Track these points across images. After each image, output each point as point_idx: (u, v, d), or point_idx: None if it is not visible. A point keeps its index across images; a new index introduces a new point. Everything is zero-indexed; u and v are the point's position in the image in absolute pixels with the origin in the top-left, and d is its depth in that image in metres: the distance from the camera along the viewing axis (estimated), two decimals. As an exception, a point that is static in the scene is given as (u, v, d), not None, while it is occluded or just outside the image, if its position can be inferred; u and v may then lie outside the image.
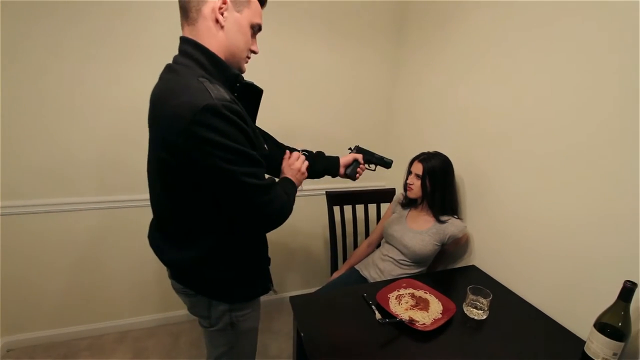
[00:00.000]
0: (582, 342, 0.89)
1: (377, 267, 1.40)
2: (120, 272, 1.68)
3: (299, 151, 1.11)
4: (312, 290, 1.48)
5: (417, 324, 0.95)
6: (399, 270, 1.35)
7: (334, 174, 1.18)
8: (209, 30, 0.75)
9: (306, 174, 1.01)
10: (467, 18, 1.41)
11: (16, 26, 1.29)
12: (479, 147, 1.37)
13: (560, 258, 1.06)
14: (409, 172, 1.40)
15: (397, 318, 0.96)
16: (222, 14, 0.74)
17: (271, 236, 0.94)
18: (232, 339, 0.92)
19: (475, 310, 1.03)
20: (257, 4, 0.81)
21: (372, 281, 1.36)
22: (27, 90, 1.36)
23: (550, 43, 1.07)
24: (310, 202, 1.91)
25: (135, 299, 1.75)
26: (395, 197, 1.58)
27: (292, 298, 1.08)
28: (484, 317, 1.02)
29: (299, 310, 1.04)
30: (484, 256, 1.36)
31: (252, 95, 0.85)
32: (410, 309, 1.02)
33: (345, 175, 1.19)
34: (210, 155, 0.65)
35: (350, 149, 1.25)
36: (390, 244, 1.43)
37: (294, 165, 0.97)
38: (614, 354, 0.79)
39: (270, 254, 0.97)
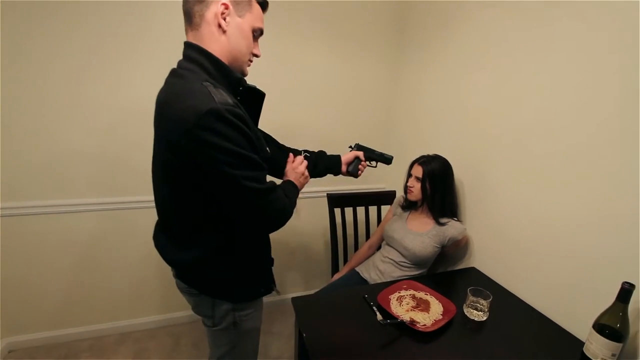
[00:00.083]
0: (581, 343, 0.90)
1: (378, 268, 1.41)
2: (120, 274, 1.69)
3: (300, 152, 1.13)
4: (313, 291, 1.49)
5: (418, 325, 0.96)
6: (400, 272, 1.36)
7: (337, 172, 1.20)
8: (211, 35, 0.76)
9: (309, 177, 1.02)
10: (466, 19, 1.42)
11: (17, 26, 1.29)
12: (478, 148, 1.38)
13: (559, 259, 1.06)
14: (409, 175, 1.41)
15: (398, 319, 0.97)
16: (224, 19, 0.76)
17: (272, 237, 0.96)
18: (235, 339, 0.93)
19: (475, 311, 1.04)
20: (259, 9, 0.82)
21: (372, 283, 1.37)
22: (28, 91, 1.36)
23: (550, 43, 1.08)
24: (311, 204, 1.92)
25: (136, 300, 1.76)
26: (395, 200, 1.59)
27: (294, 299, 1.08)
28: (484, 318, 1.03)
29: (301, 311, 1.04)
30: (484, 258, 1.37)
31: (254, 98, 0.87)
32: (411, 310, 1.03)
33: (348, 173, 1.21)
34: (212, 158, 0.67)
35: (350, 147, 1.27)
36: (390, 246, 1.44)
37: (298, 168, 0.99)
38: (613, 355, 0.80)
39: (271, 255, 0.98)
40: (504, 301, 1.15)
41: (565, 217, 1.04)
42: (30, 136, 1.41)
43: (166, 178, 0.80)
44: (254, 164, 0.73)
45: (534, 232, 1.15)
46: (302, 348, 1.08)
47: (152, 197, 1.60)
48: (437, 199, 1.35)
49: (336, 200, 1.66)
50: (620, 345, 0.79)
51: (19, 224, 1.47)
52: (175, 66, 0.80)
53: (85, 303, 1.67)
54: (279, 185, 0.86)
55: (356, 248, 1.70)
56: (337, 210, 1.67)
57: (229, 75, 0.79)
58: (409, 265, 1.36)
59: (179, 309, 1.84)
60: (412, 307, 1.04)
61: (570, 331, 1.00)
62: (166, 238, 0.89)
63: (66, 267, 1.59)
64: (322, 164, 1.16)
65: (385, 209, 1.74)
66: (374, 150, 1.26)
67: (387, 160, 1.27)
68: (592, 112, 0.96)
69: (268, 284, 0.95)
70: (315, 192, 1.87)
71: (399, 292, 1.12)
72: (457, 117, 1.51)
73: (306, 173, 1.00)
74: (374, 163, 1.27)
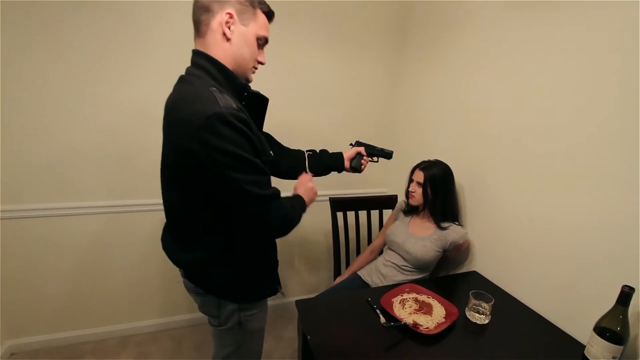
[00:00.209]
0: (582, 346, 0.91)
1: (380, 272, 1.42)
2: (122, 277, 1.69)
3: (303, 152, 1.17)
4: (314, 295, 1.49)
5: (421, 328, 0.97)
6: (402, 276, 1.37)
7: (340, 169, 1.22)
8: (216, 42, 0.79)
9: (317, 193, 1.03)
10: (467, 19, 1.44)
11: (18, 26, 1.29)
12: (478, 149, 1.40)
13: (559, 262, 1.07)
14: (411, 180, 1.43)
15: (401, 322, 0.98)
16: (228, 28, 0.79)
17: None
18: (240, 339, 0.94)
19: (477, 314, 1.05)
20: (264, 18, 0.85)
21: (374, 286, 1.38)
22: (28, 91, 1.36)
23: (550, 43, 1.08)
24: (314, 208, 1.91)
25: (137, 303, 1.76)
26: (397, 205, 1.60)
27: (297, 302, 1.10)
28: (486, 321, 1.04)
29: (305, 314, 1.05)
30: (485, 262, 1.38)
31: (258, 103, 0.90)
32: (414, 313, 1.04)
33: (351, 169, 1.24)
34: (216, 161, 0.69)
35: (351, 144, 1.30)
36: (392, 250, 1.45)
37: (308, 184, 1.01)
38: (614, 357, 0.81)
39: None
40: (506, 304, 1.16)
41: (565, 219, 1.05)
42: (31, 137, 1.40)
43: (173, 179, 0.82)
44: (256, 168, 0.75)
45: (534, 235, 1.16)
46: (305, 351, 1.08)
47: (152, 200, 1.62)
48: (439, 204, 1.37)
49: (338, 204, 1.68)
50: (620, 348, 0.81)
51: (20, 227, 1.47)
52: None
53: (86, 306, 1.67)
54: (286, 197, 0.88)
55: (358, 252, 1.72)
56: (340, 214, 1.69)
57: (234, 81, 0.82)
58: (411, 269, 1.37)
59: (181, 312, 1.84)
60: (415, 310, 1.05)
61: (571, 334, 1.01)
62: (173, 239, 0.91)
63: (67, 270, 1.59)
64: (324, 161, 1.19)
65: (386, 213, 1.76)
66: (375, 146, 1.28)
67: (387, 155, 1.29)
68: (592, 112, 0.97)
69: (273, 286, 0.96)
70: (318, 195, 1.88)
71: (402, 295, 1.13)
72: (457, 118, 1.52)
73: (315, 189, 1.02)
74: (375, 158, 1.30)
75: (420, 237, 1.37)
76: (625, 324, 0.81)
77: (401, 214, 1.53)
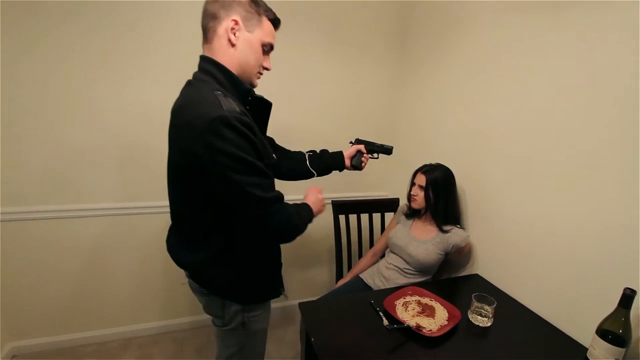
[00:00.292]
0: (584, 349, 0.91)
1: (382, 275, 1.42)
2: (123, 279, 1.69)
3: (304, 153, 1.19)
4: (316, 297, 1.49)
5: (423, 330, 0.97)
6: (404, 279, 1.37)
7: (341, 167, 1.23)
8: (222, 48, 0.81)
9: (325, 205, 1.03)
10: (469, 22, 1.45)
11: (19, 26, 1.29)
12: (480, 154, 1.40)
13: (561, 265, 1.08)
14: (413, 184, 1.44)
15: (404, 324, 0.98)
16: (234, 34, 0.80)
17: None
18: (244, 339, 0.95)
19: (480, 317, 1.05)
20: (270, 25, 0.86)
21: (376, 289, 1.39)
22: (30, 91, 1.35)
23: (551, 45, 1.09)
24: (316, 210, 1.94)
25: (139, 306, 1.76)
26: (399, 208, 1.61)
27: (300, 304, 1.10)
28: (489, 324, 1.04)
29: (308, 316, 1.06)
30: (487, 265, 1.38)
31: (262, 107, 0.92)
32: (416, 315, 1.05)
33: (352, 167, 1.25)
34: (218, 163, 0.70)
35: (351, 142, 1.31)
36: (394, 253, 1.46)
37: (318, 195, 1.01)
38: (616, 360, 0.82)
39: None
40: (508, 307, 1.17)
41: (566, 221, 1.06)
42: (32, 138, 1.40)
43: (178, 181, 0.84)
44: (259, 171, 0.76)
45: (535, 238, 1.16)
46: (309, 352, 1.09)
47: (154, 203, 1.63)
48: (440, 207, 1.37)
49: (340, 207, 1.68)
50: (623, 350, 0.81)
51: (21, 229, 1.47)
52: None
53: (88, 308, 1.67)
54: (294, 203, 0.89)
55: (360, 254, 1.72)
56: (342, 217, 1.69)
57: (239, 86, 0.83)
58: (413, 272, 1.37)
59: (182, 314, 1.84)
60: (417, 312, 1.06)
61: (573, 337, 1.02)
62: (178, 240, 0.92)
63: (69, 272, 1.59)
64: (325, 161, 1.20)
65: (388, 216, 1.76)
66: (374, 143, 1.30)
67: (387, 150, 1.30)
68: (594, 116, 0.97)
69: (277, 287, 0.97)
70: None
71: (405, 298, 1.14)
72: (458, 121, 1.53)
73: (324, 201, 1.02)
74: (375, 155, 1.31)
75: (422, 240, 1.38)
76: (628, 326, 0.81)
77: (403, 217, 1.54)
